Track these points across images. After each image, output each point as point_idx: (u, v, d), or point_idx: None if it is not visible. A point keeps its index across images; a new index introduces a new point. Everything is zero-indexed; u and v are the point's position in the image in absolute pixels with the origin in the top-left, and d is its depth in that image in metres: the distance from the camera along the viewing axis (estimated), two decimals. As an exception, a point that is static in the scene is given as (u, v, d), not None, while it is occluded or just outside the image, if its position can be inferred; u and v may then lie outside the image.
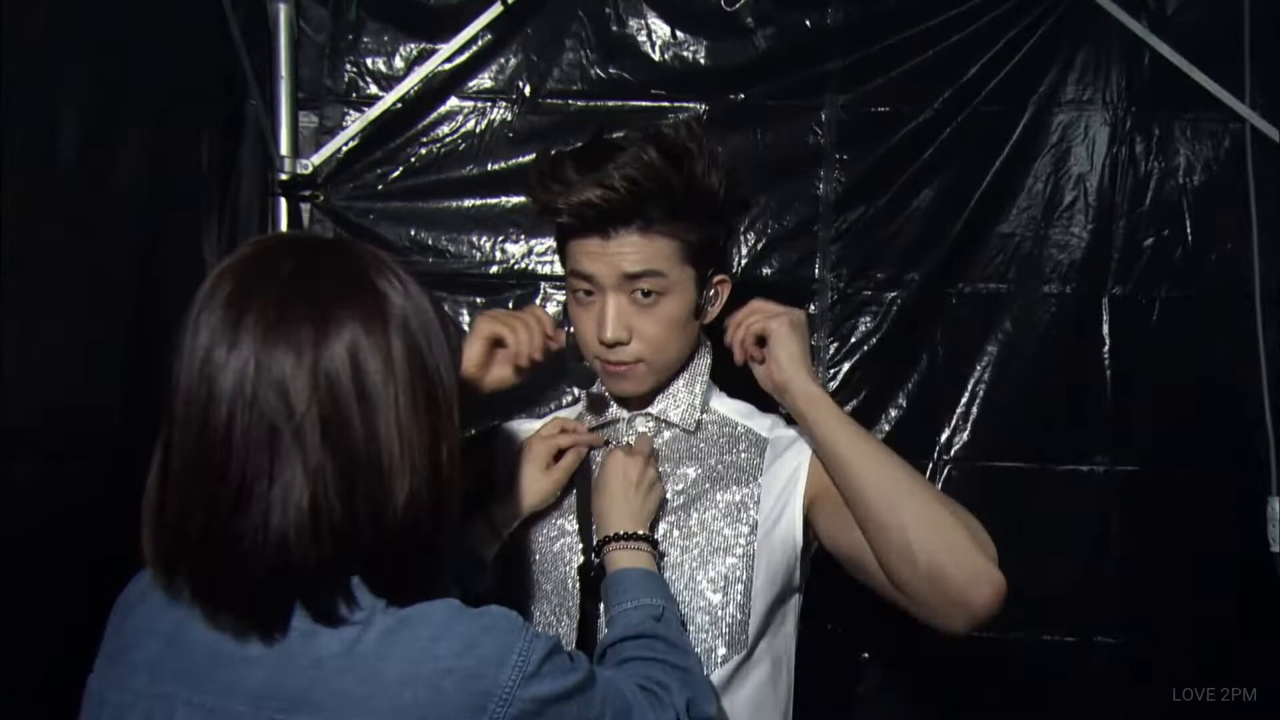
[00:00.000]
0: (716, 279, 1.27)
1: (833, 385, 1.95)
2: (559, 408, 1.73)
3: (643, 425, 1.29)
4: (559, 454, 1.26)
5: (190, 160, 1.83)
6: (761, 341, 1.24)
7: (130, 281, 1.61)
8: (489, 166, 1.95)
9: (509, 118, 1.95)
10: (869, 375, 1.95)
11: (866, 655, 1.98)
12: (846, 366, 1.95)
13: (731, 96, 1.94)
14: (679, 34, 1.94)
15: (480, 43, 1.93)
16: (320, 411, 0.80)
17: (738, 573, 1.21)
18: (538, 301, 1.96)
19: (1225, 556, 1.92)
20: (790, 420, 1.29)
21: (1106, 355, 1.93)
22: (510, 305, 1.96)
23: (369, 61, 1.94)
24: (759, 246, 1.95)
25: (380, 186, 1.95)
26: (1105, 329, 1.93)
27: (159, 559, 0.85)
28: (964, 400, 1.95)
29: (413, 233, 1.95)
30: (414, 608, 0.83)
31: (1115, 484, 1.93)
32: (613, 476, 1.20)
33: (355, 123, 1.91)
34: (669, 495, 1.25)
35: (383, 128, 1.93)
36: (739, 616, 1.20)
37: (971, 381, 1.95)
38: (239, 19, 1.76)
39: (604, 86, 1.94)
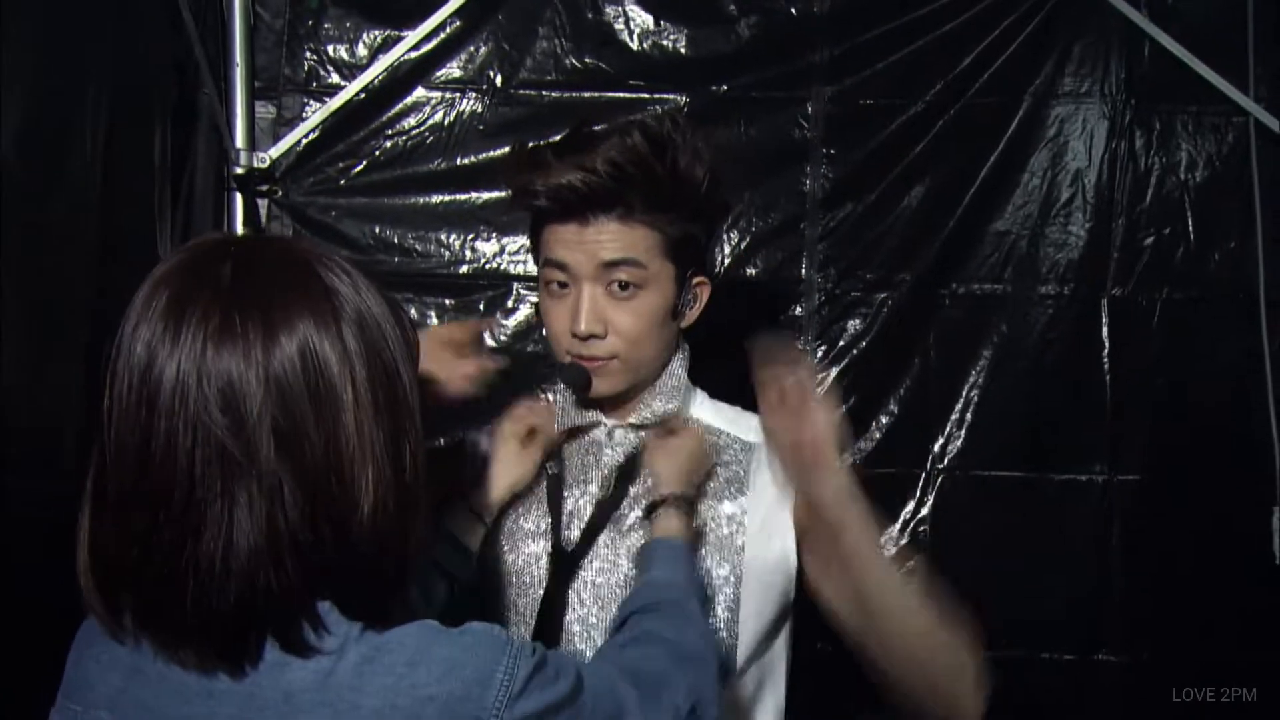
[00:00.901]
0: (696, 280, 1.22)
1: (820, 391, 1.87)
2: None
3: (622, 436, 1.22)
4: (531, 435, 1.22)
5: (143, 155, 1.75)
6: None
7: (86, 283, 1.54)
8: (458, 160, 1.86)
9: (479, 109, 1.86)
10: (859, 380, 1.88)
11: (859, 675, 1.90)
12: (835, 371, 1.88)
13: (714, 88, 1.86)
14: (659, 22, 1.87)
15: (449, 29, 1.85)
16: (273, 421, 0.74)
17: (723, 597, 1.15)
18: (510, 303, 1.87)
19: (1229, 569, 1.86)
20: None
21: (1105, 359, 1.87)
22: (481, 307, 1.87)
23: (330, 49, 1.85)
24: (743, 245, 1.87)
25: (342, 181, 1.86)
26: (1104, 331, 1.87)
27: (99, 599, 0.79)
28: (958, 406, 1.88)
29: (377, 230, 1.86)
30: (390, 633, 0.78)
31: (1115, 493, 1.87)
32: (690, 444, 1.17)
33: (316, 114, 1.82)
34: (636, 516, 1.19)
35: (345, 119, 1.84)
36: (728, 642, 1.15)
37: (966, 386, 1.88)
38: (191, 4, 1.69)
39: (580, 77, 1.86)
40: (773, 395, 1.11)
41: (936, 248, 1.86)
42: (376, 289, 0.82)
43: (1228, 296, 1.85)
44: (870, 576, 1.10)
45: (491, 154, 1.85)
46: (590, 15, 1.86)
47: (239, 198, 1.83)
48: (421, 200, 1.86)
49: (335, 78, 1.85)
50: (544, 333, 1.21)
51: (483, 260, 1.87)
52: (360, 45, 1.85)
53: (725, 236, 1.86)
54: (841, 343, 1.88)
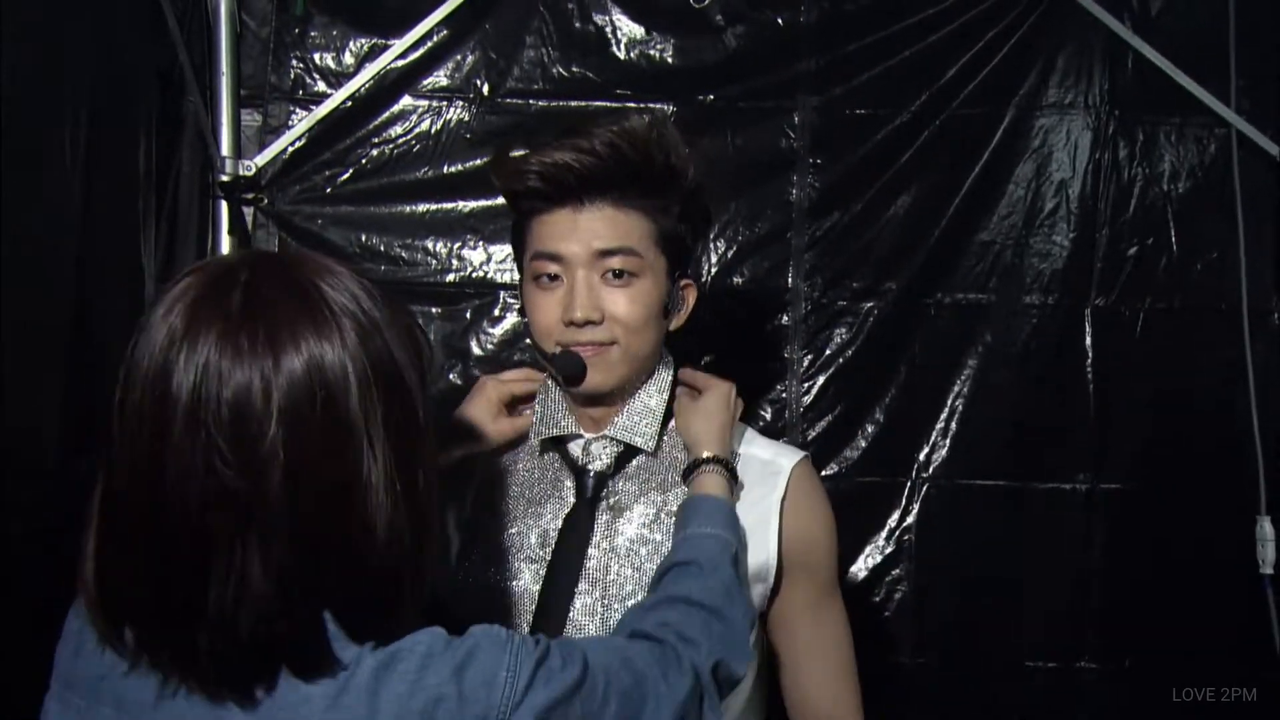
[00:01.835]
0: (684, 283, 1.20)
1: (806, 400, 1.87)
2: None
3: (599, 449, 1.17)
4: (512, 405, 1.22)
5: (126, 163, 1.74)
6: None
7: (65, 293, 1.53)
8: (445, 169, 1.86)
9: (466, 118, 1.86)
10: (844, 389, 1.88)
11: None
12: (821, 380, 1.88)
13: (700, 97, 1.86)
14: (645, 31, 1.86)
15: (436, 38, 1.84)
16: (285, 456, 0.72)
17: None
18: (496, 311, 1.87)
19: (1213, 578, 1.86)
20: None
21: (1089, 368, 1.87)
22: (468, 315, 1.87)
23: (317, 57, 1.84)
24: (729, 254, 1.87)
25: (329, 190, 1.85)
26: (1088, 341, 1.87)
27: (102, 618, 0.78)
28: (943, 415, 1.88)
29: (363, 239, 1.85)
30: (398, 643, 0.78)
31: (1098, 502, 1.87)
32: (721, 402, 1.16)
33: (302, 122, 1.82)
34: (628, 534, 1.15)
35: (331, 127, 1.83)
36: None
37: (950, 396, 1.88)
38: (175, 11, 1.68)
39: (566, 86, 1.85)
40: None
41: (922, 257, 1.86)
42: (390, 305, 0.81)
43: (1211, 306, 1.86)
44: None
45: (478, 163, 1.84)
46: (578, 24, 1.85)
47: (224, 206, 1.81)
48: (408, 209, 1.86)
49: (321, 86, 1.84)
50: (529, 333, 1.17)
51: (469, 269, 1.86)
52: (347, 53, 1.84)
53: (712, 245, 1.86)
54: (828, 352, 1.88)
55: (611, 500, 1.16)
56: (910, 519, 1.88)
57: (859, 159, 1.86)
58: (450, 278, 1.86)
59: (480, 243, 1.86)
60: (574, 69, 1.86)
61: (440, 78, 1.86)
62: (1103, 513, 1.87)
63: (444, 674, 0.78)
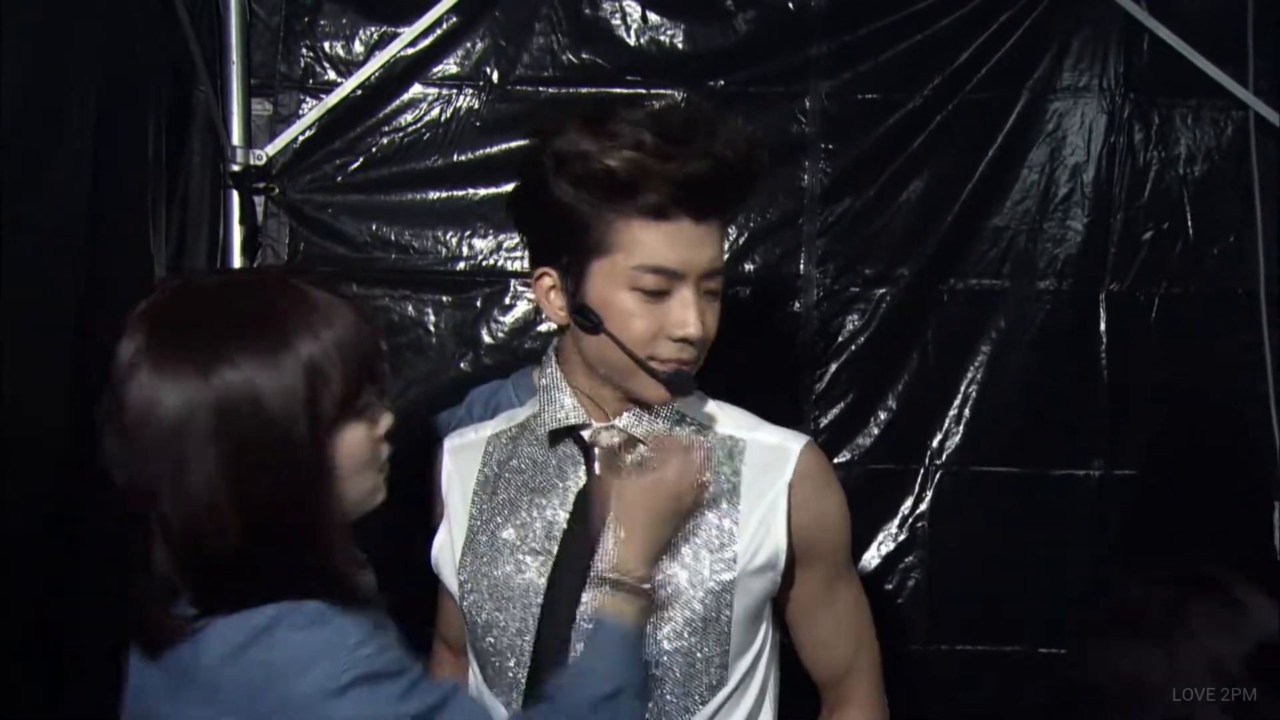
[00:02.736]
0: None
1: (819, 387, 1.87)
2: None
3: (608, 438, 1.16)
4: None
5: (136, 153, 1.74)
6: None
7: (73, 280, 1.53)
8: (455, 157, 1.86)
9: (476, 105, 1.85)
10: (857, 376, 1.87)
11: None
12: (833, 367, 1.87)
13: (711, 83, 1.85)
14: (655, 17, 1.85)
15: (445, 26, 1.83)
16: (141, 470, 0.87)
17: (716, 611, 1.12)
18: (507, 300, 1.86)
19: (1228, 564, 1.83)
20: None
21: (1104, 355, 1.86)
22: (478, 304, 1.86)
23: (326, 45, 1.84)
24: (740, 241, 1.86)
25: (339, 178, 1.85)
26: (1102, 327, 1.86)
27: None
28: (956, 402, 1.87)
29: (374, 227, 1.85)
30: (263, 609, 0.86)
31: (1113, 490, 1.86)
32: (665, 501, 1.06)
33: (312, 111, 1.82)
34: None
35: (341, 116, 1.83)
36: (719, 652, 1.12)
37: (964, 382, 1.87)
38: (185, 1, 1.67)
39: (576, 73, 1.85)
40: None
41: (935, 243, 1.85)
42: (314, 342, 0.89)
43: (1227, 291, 1.85)
44: None
45: (488, 150, 1.84)
46: (587, 11, 1.85)
47: (235, 195, 1.82)
48: (418, 197, 1.85)
49: (332, 74, 1.84)
50: (605, 332, 1.08)
51: (480, 257, 1.86)
52: (357, 42, 1.84)
53: (723, 232, 1.85)
54: (840, 338, 1.87)
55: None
56: (924, 506, 1.88)
57: (871, 144, 1.85)
58: (461, 266, 1.86)
59: (490, 231, 1.86)
60: (584, 56, 1.85)
61: (450, 65, 1.85)
62: (1117, 499, 1.86)
63: (278, 642, 0.84)
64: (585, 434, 1.16)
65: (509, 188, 1.77)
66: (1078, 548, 1.86)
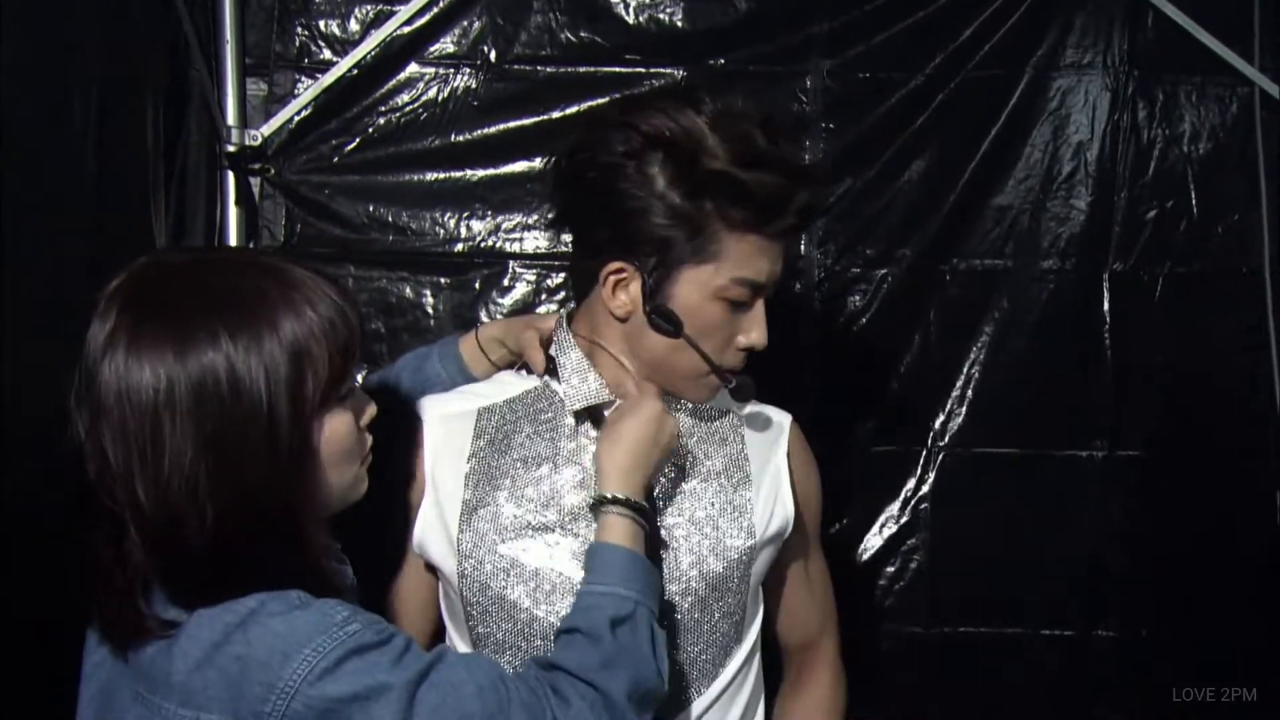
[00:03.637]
0: None
1: (820, 368, 1.85)
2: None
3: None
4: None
5: (136, 135, 1.72)
6: None
7: (78, 265, 1.51)
8: (453, 138, 1.83)
9: (473, 85, 1.83)
10: (858, 357, 1.86)
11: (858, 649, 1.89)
12: (835, 348, 1.85)
13: (711, 62, 1.83)
14: (654, -6, 1.83)
15: (442, 4, 1.81)
16: (111, 454, 0.84)
17: (736, 579, 1.13)
18: (505, 281, 1.85)
19: (1232, 547, 1.85)
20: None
21: (1107, 335, 1.84)
22: (477, 286, 1.85)
23: (322, 24, 1.81)
24: (741, 222, 1.84)
25: (335, 159, 1.82)
26: (1106, 307, 1.84)
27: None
28: (958, 383, 1.86)
29: (371, 209, 1.83)
30: (242, 599, 0.84)
31: (1116, 470, 1.85)
32: (644, 425, 1.07)
33: (308, 90, 1.79)
34: (655, 494, 1.14)
35: (337, 96, 1.81)
36: (737, 619, 1.15)
37: (966, 363, 1.86)
38: (180, -21, 1.65)
39: (575, 52, 1.83)
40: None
41: (937, 223, 1.84)
42: (297, 323, 0.87)
43: (1231, 270, 1.83)
44: None
45: (486, 130, 1.82)
46: (585, -12, 1.83)
47: (231, 176, 1.79)
48: (416, 178, 1.83)
49: (327, 54, 1.81)
50: (689, 340, 1.09)
51: (478, 238, 1.85)
52: (352, 20, 1.82)
53: (723, 213, 1.84)
54: (841, 320, 1.86)
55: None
56: (926, 488, 1.87)
57: (873, 123, 1.83)
58: (459, 247, 1.84)
59: (489, 212, 1.84)
60: (582, 34, 1.83)
61: (447, 44, 1.83)
62: (1120, 480, 1.85)
63: (255, 633, 0.83)
64: (607, 414, 1.14)
65: (507, 169, 1.84)
66: (1080, 529, 1.85)
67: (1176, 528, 1.84)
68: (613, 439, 1.06)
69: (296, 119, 1.80)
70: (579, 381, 1.14)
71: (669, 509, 1.14)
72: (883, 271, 1.85)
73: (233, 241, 1.79)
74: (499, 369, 1.26)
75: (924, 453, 1.86)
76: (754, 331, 1.11)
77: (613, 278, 1.09)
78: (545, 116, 1.81)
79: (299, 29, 1.81)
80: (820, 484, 1.29)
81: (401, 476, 1.15)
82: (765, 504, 1.17)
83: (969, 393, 1.86)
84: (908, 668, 1.88)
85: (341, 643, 0.83)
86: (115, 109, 1.60)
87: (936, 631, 1.86)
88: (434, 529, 1.13)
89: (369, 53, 1.79)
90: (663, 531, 1.13)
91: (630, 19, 1.83)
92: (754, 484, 1.17)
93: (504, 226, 1.84)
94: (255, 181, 1.82)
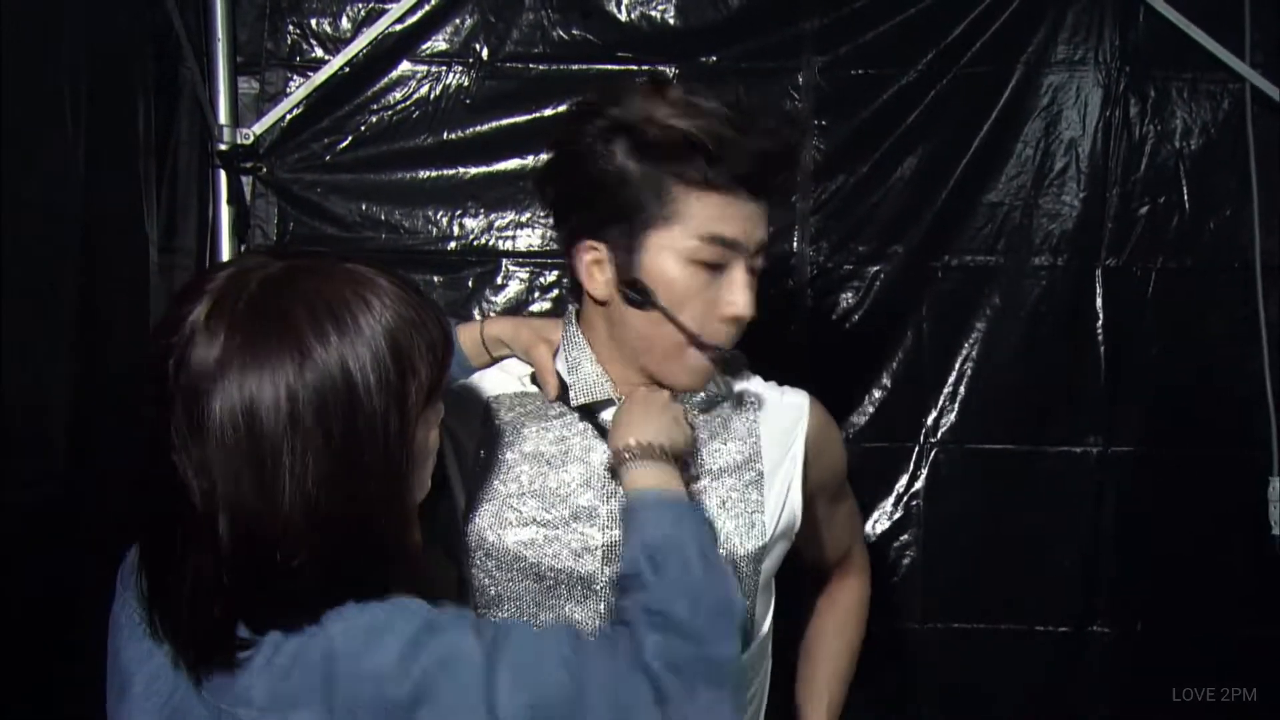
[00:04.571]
0: None
1: (813, 365, 1.85)
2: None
3: None
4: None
5: (126, 132, 1.71)
6: None
7: (72, 265, 1.50)
8: (445, 136, 1.83)
9: (466, 83, 1.83)
10: (851, 354, 1.86)
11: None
12: (827, 345, 1.85)
13: (703, 59, 1.82)
14: (646, -8, 1.83)
15: (433, 1, 1.81)
16: (220, 477, 0.80)
17: (747, 577, 1.13)
18: (498, 279, 1.85)
19: (1224, 540, 1.85)
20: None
21: (1100, 330, 1.84)
22: (470, 284, 1.85)
23: (313, 22, 1.82)
24: (733, 219, 1.84)
25: (328, 157, 1.83)
26: (1099, 302, 1.84)
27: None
28: (951, 379, 1.86)
29: (363, 207, 1.83)
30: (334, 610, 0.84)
31: (1110, 465, 1.85)
32: (640, 399, 1.08)
33: (299, 89, 1.79)
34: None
35: (329, 94, 1.81)
36: (745, 617, 1.15)
37: (959, 359, 1.86)
38: (169, -24, 1.64)
39: (567, 49, 1.83)
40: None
41: (929, 219, 1.84)
42: (397, 320, 0.84)
43: (1223, 265, 1.83)
44: None
45: (478, 129, 1.82)
46: (577, -15, 1.83)
47: (223, 175, 1.80)
48: (408, 176, 1.83)
49: (319, 52, 1.81)
50: (663, 311, 1.07)
51: (470, 236, 1.85)
52: (343, 18, 1.82)
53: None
54: (834, 316, 1.86)
55: None
56: (919, 484, 1.87)
57: (865, 120, 1.83)
58: (452, 245, 1.84)
59: (481, 210, 1.84)
60: (574, 32, 1.82)
61: (439, 42, 1.83)
62: (1114, 476, 1.85)
63: (345, 628, 0.82)
64: (611, 411, 1.13)
65: (500, 166, 1.84)
66: (1074, 524, 1.85)
67: (1170, 523, 1.84)
68: (623, 417, 1.07)
69: (288, 117, 1.80)
70: (583, 377, 1.14)
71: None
72: (875, 268, 1.85)
73: (225, 241, 1.79)
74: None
75: (917, 449, 1.86)
76: (737, 298, 1.06)
77: (587, 258, 1.10)
78: (538, 114, 1.81)
79: (290, 27, 1.81)
80: (842, 448, 1.30)
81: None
82: (776, 503, 1.15)
83: (961, 389, 1.86)
84: (901, 664, 1.88)
85: (420, 623, 0.82)
86: (106, 108, 1.59)
87: (930, 627, 1.87)
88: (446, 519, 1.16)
89: (361, 51, 1.79)
90: None
91: (622, 16, 1.83)
92: (766, 483, 1.15)
93: (497, 224, 1.84)
94: (247, 180, 1.82)
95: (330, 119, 1.82)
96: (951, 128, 1.83)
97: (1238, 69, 1.79)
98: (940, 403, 1.86)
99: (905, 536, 1.87)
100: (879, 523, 1.87)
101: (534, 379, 1.20)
